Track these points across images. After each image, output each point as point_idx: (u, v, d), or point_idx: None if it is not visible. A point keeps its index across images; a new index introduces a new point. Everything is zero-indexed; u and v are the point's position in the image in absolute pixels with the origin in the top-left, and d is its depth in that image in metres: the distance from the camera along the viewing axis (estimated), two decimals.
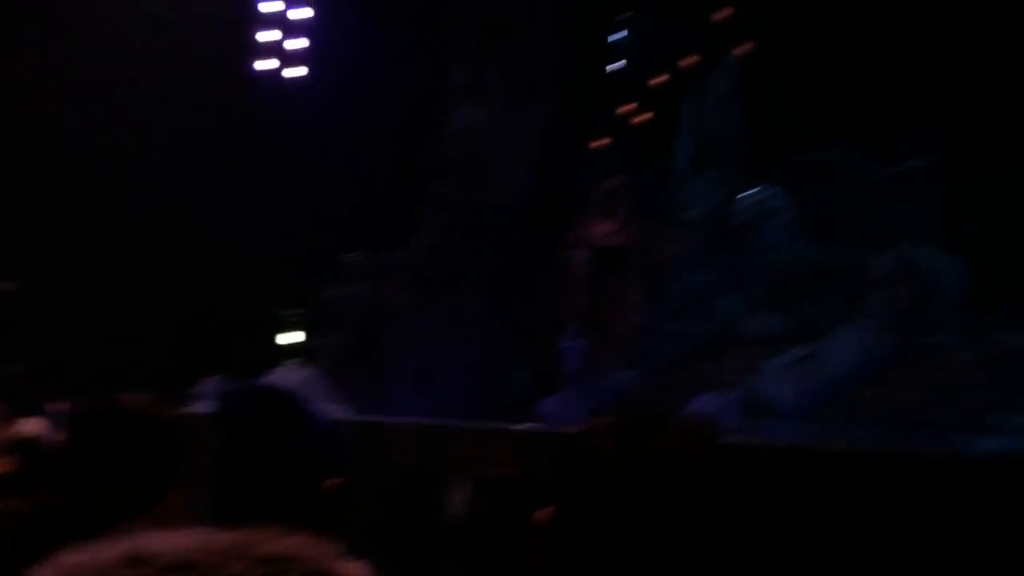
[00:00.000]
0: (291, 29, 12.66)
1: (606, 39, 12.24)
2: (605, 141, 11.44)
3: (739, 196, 9.82)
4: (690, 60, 11.36)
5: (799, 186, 9.64)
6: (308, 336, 11.96)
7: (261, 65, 12.59)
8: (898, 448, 6.52)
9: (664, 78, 11.54)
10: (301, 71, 12.65)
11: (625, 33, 12.07)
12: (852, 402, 7.96)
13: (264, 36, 12.62)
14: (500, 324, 10.96)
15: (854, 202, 9.35)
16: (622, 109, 11.76)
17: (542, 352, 10.36)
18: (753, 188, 9.76)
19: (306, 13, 12.67)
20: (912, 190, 9.00)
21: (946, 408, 7.42)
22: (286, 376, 9.64)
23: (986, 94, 8.77)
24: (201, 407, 7.65)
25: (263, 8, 12.58)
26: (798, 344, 8.37)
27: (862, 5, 9.79)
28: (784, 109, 9.70)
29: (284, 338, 12.51)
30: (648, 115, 11.60)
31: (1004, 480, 4.83)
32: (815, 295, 9.04)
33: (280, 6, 12.58)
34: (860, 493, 5.04)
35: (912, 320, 8.28)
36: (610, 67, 12.19)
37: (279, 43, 12.64)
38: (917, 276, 8.30)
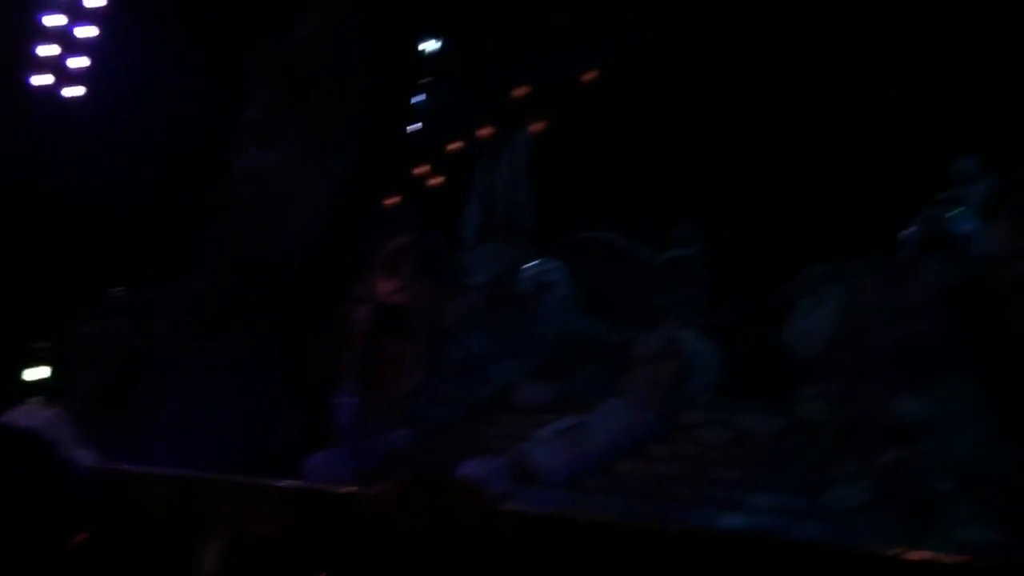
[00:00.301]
0: (73, 46, 12.01)
1: (407, 100, 12.44)
2: (396, 199, 11.54)
3: (521, 266, 10.15)
4: (486, 130, 11.74)
5: (578, 262, 10.10)
6: (56, 373, 11.11)
7: (38, 80, 11.84)
8: (648, 520, 6.84)
9: (460, 145, 11.83)
10: (79, 90, 11.99)
11: (424, 97, 12.32)
12: (612, 474, 8.31)
13: (44, 50, 11.90)
14: (270, 374, 10.65)
15: (627, 282, 9.91)
16: (417, 170, 11.93)
17: (313, 406, 10.16)
18: (535, 260, 10.13)
19: (91, 31, 12.07)
20: (679, 276, 9.65)
21: (696, 484, 7.89)
22: (27, 415, 8.90)
23: (743, 195, 9.62)
24: None
25: (46, 21, 11.88)
26: (566, 414, 8.67)
27: (641, 104, 10.53)
28: (570, 188, 10.19)
29: (31, 373, 11.56)
30: (441, 179, 11.83)
31: (738, 556, 5.18)
32: (585, 368, 9.44)
33: (63, 20, 11.93)
34: (611, 565, 5.25)
35: (671, 398, 8.79)
36: (409, 128, 12.38)
37: (60, 59, 11.95)
38: (678, 356, 8.85)
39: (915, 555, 3.72)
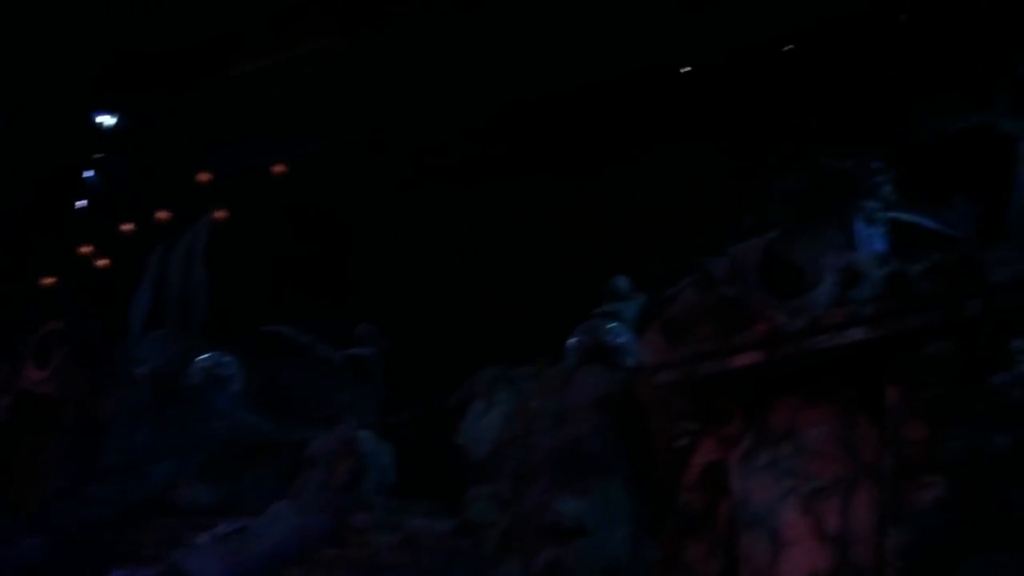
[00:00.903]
0: None
1: (79, 173, 11.74)
2: (52, 280, 10.74)
3: (192, 359, 9.76)
4: (164, 214, 11.33)
5: (254, 357, 9.88)
6: None
7: None
8: None
9: (133, 227, 11.32)
10: None
11: (93, 173, 11.69)
12: None
13: None
14: None
15: (304, 379, 9.82)
16: (81, 249, 11.22)
17: None
18: (208, 353, 9.79)
19: None
20: (358, 374, 9.72)
21: None
22: None
23: (424, 294, 9.97)
24: None
25: None
26: (231, 518, 8.34)
27: (329, 199, 10.69)
28: (250, 280, 10.03)
29: None
30: (108, 261, 11.19)
31: None
32: (255, 469, 9.17)
33: None
34: None
35: (344, 500, 8.73)
36: (77, 204, 11.66)
37: None
38: (353, 457, 8.84)
39: None
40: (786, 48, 9.62)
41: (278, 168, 11.11)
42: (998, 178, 6.63)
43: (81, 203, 11.47)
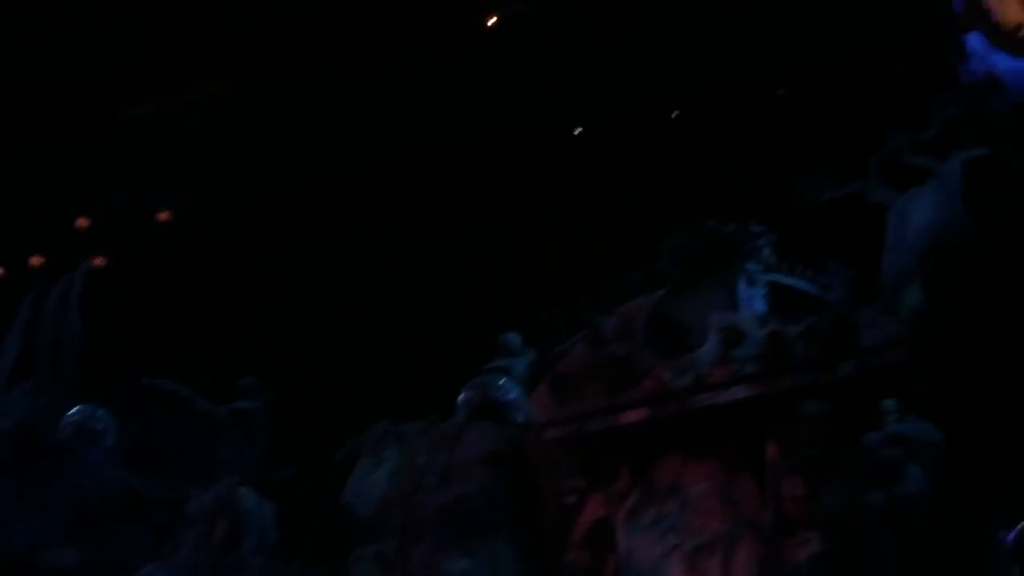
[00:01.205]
0: None
1: None
2: None
3: (62, 411, 9.39)
4: (37, 259, 10.98)
5: (130, 411, 9.56)
6: None
7: None
8: None
9: (2, 271, 10.91)
10: None
11: None
12: None
13: None
14: None
15: (182, 434, 9.55)
16: None
17: None
18: (79, 406, 9.42)
19: None
20: (240, 429, 9.51)
21: None
22: None
23: (312, 348, 9.88)
24: None
25: None
26: None
27: (212, 250, 10.55)
28: (128, 331, 9.76)
29: None
30: None
31: None
32: (127, 528, 8.84)
33: None
34: None
35: (223, 561, 8.48)
36: None
37: None
38: (233, 516, 8.61)
39: None
40: (674, 114, 10.04)
41: (162, 215, 10.89)
42: (869, 244, 7.04)
43: None
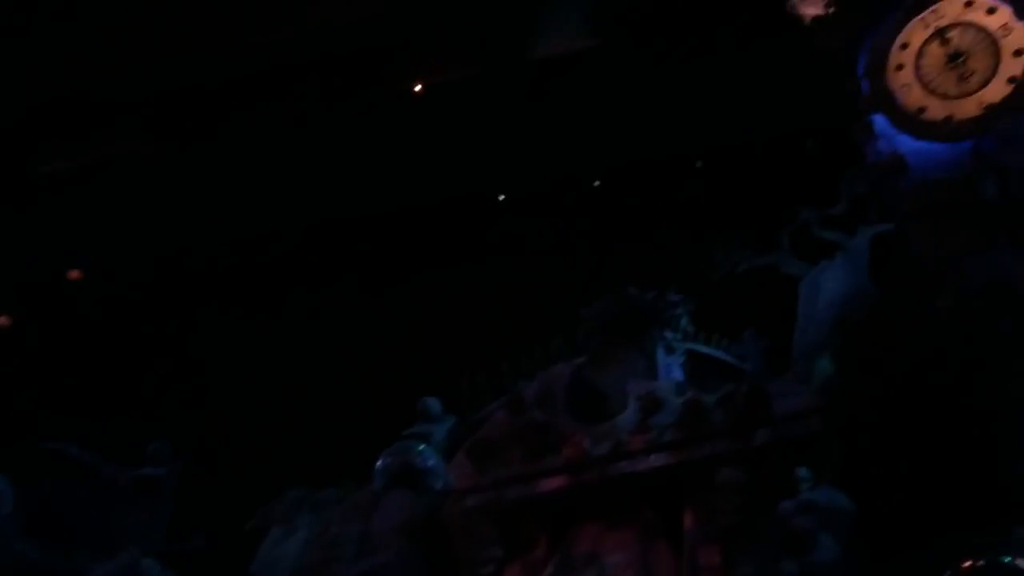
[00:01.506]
0: None
1: None
2: None
3: None
4: None
5: (26, 477, 9.21)
6: None
7: None
8: None
9: None
10: None
11: None
12: None
13: None
14: None
15: (85, 502, 9.22)
16: None
17: None
18: None
19: None
20: (147, 496, 9.22)
21: None
22: None
23: (223, 413, 9.71)
24: None
25: None
26: None
27: (122, 309, 10.36)
28: (26, 392, 9.48)
29: None
30: None
31: None
32: None
33: None
34: None
35: None
36: None
37: None
38: None
39: None
40: (596, 183, 10.30)
41: (74, 274, 10.66)
42: (783, 315, 7.27)
43: None
